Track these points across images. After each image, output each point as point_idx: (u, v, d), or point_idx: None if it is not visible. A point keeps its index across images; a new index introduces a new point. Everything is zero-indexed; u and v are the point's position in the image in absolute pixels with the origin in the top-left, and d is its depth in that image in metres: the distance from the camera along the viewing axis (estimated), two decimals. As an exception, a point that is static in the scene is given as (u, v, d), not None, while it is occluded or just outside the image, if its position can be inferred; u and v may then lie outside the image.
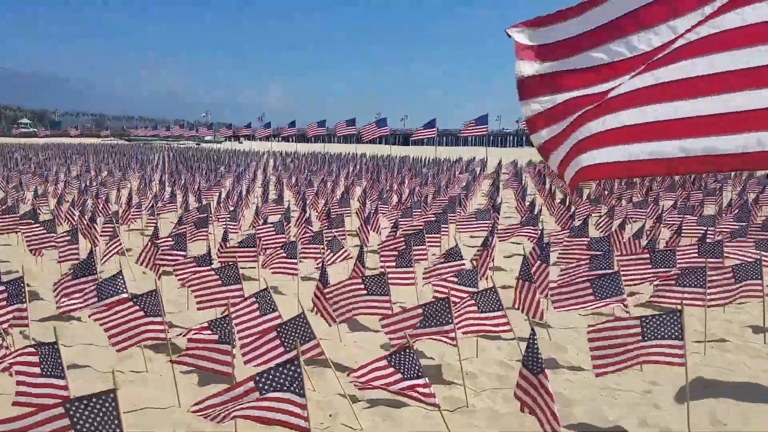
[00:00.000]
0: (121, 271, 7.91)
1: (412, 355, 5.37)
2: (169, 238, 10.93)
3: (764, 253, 10.91)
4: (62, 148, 65.74)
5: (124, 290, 7.54)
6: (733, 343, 8.71)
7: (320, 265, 10.58)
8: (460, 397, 6.73)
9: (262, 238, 11.66)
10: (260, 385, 4.47)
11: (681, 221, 14.27)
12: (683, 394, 6.72)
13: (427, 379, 5.37)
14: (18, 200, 19.72)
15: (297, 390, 4.49)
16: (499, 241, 13.55)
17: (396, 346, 6.80)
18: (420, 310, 6.71)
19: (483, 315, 7.06)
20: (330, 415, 6.32)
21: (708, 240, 11.76)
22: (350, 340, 8.68)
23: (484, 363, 7.78)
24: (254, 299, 6.91)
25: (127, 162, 43.92)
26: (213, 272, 8.04)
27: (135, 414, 6.36)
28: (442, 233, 13.60)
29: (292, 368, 4.54)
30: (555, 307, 8.26)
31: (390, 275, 9.15)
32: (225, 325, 5.98)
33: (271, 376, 4.51)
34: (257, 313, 6.86)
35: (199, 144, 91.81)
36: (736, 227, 13.93)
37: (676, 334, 6.07)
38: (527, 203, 19.28)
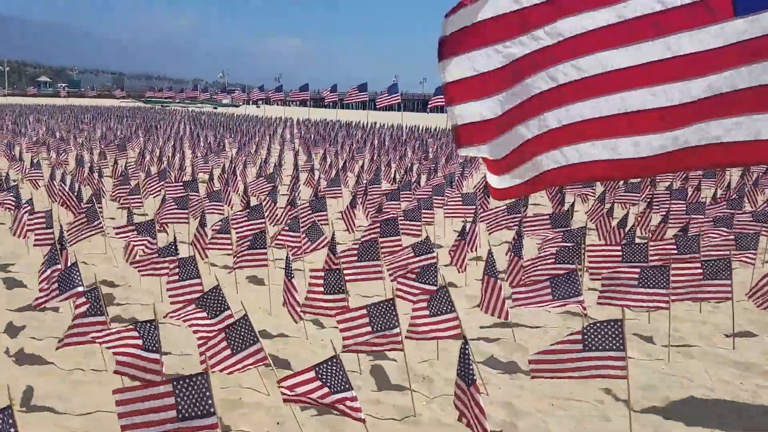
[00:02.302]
0: (76, 262, 7.67)
1: (339, 365, 5.20)
2: (130, 225, 10.51)
3: (740, 251, 10.56)
4: (75, 112, 65.01)
5: (80, 284, 7.36)
6: (700, 349, 8.40)
7: (295, 252, 10.48)
8: (409, 405, 6.53)
9: (236, 226, 11.40)
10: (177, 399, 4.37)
11: (668, 209, 13.82)
12: (637, 406, 6.54)
13: (353, 392, 5.19)
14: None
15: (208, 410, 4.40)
16: (487, 231, 13.12)
17: (348, 348, 6.64)
18: (365, 311, 6.47)
19: (433, 319, 6.82)
20: (278, 423, 6.21)
21: (691, 230, 11.37)
22: (317, 338, 8.48)
23: (443, 366, 7.59)
24: (200, 300, 6.77)
25: (137, 129, 43.21)
26: (170, 265, 7.89)
27: (84, 418, 6.29)
28: (426, 219, 13.26)
29: (201, 383, 4.40)
30: (513, 305, 7.99)
31: (353, 269, 8.94)
32: (150, 329, 5.79)
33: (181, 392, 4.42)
34: (204, 314, 6.71)
35: (216, 108, 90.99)
36: (722, 215, 13.37)
37: (617, 344, 5.81)
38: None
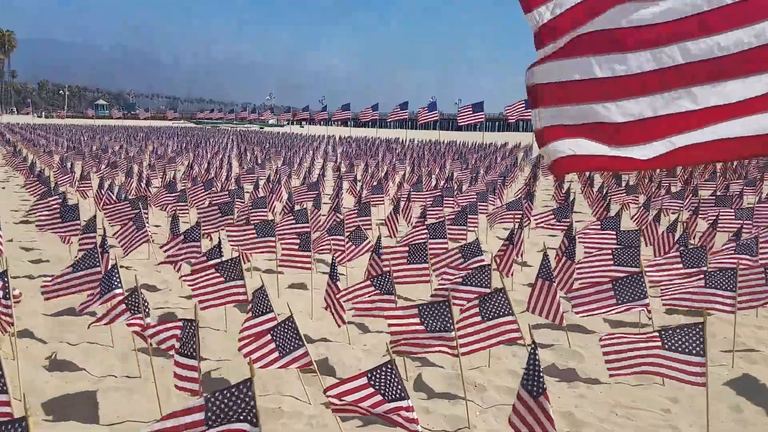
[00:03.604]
0: (116, 264, 7.13)
1: (394, 372, 4.54)
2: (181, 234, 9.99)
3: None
4: (128, 131, 66.66)
5: (119, 286, 6.82)
6: (763, 354, 7.56)
7: (340, 258, 9.96)
8: (464, 415, 5.90)
9: (282, 228, 10.94)
10: (209, 414, 3.73)
11: (717, 214, 12.80)
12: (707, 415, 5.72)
13: (410, 400, 4.53)
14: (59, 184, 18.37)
15: (251, 419, 3.77)
16: (530, 229, 12.45)
17: (398, 351, 6.03)
18: (416, 310, 5.84)
19: (488, 324, 6.12)
20: (322, 435, 5.66)
21: (744, 234, 10.45)
22: (361, 342, 7.92)
23: (495, 373, 6.95)
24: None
25: (186, 145, 43.65)
26: (214, 269, 7.42)
27: (111, 428, 5.74)
28: (470, 225, 12.59)
29: (244, 392, 3.80)
30: (575, 312, 7.29)
31: (402, 271, 8.36)
32: (189, 332, 5.21)
33: (220, 403, 3.76)
34: (249, 314, 6.22)
35: (262, 128, 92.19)
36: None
37: (698, 349, 5.07)
38: (564, 191, 17.95)
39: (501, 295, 6.17)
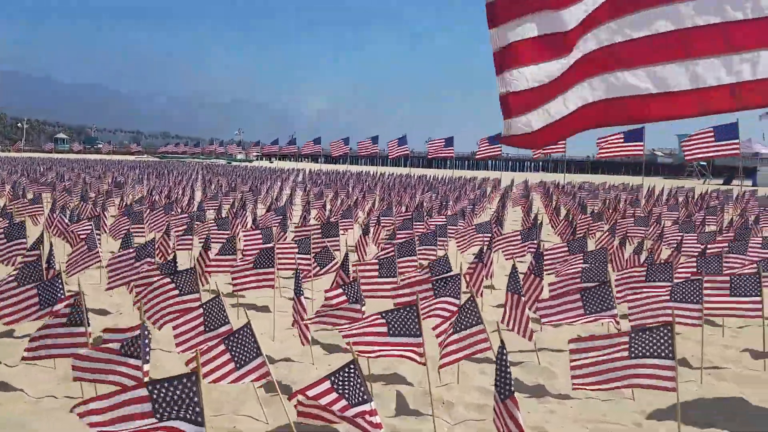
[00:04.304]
0: (59, 274, 6.75)
1: (357, 372, 4.30)
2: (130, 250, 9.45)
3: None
4: (89, 163, 65.23)
5: (63, 296, 6.44)
6: (731, 371, 7.62)
7: (305, 275, 9.69)
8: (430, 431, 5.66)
9: (246, 246, 10.63)
10: (155, 403, 3.45)
11: (681, 238, 13.12)
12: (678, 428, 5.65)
13: (373, 403, 4.30)
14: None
15: (196, 419, 3.49)
16: (494, 251, 12.46)
17: (361, 352, 5.75)
18: (381, 319, 5.60)
19: (459, 335, 5.97)
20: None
21: (708, 255, 10.70)
22: (325, 362, 7.61)
23: (464, 390, 6.76)
24: (201, 310, 5.97)
25: (150, 174, 42.62)
26: (170, 281, 7.08)
27: None
28: (439, 247, 12.53)
29: (187, 386, 3.54)
30: (542, 321, 7.22)
31: (370, 285, 8.17)
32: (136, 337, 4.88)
33: (164, 395, 3.50)
34: (201, 329, 5.89)
35: (230, 162, 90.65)
36: (736, 243, 12.69)
37: (666, 352, 5.02)
38: (532, 218, 18.18)
39: (470, 304, 6.05)
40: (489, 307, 10.21)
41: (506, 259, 12.52)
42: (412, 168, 75.36)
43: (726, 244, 12.75)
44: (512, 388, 4.30)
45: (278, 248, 9.68)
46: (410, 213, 16.47)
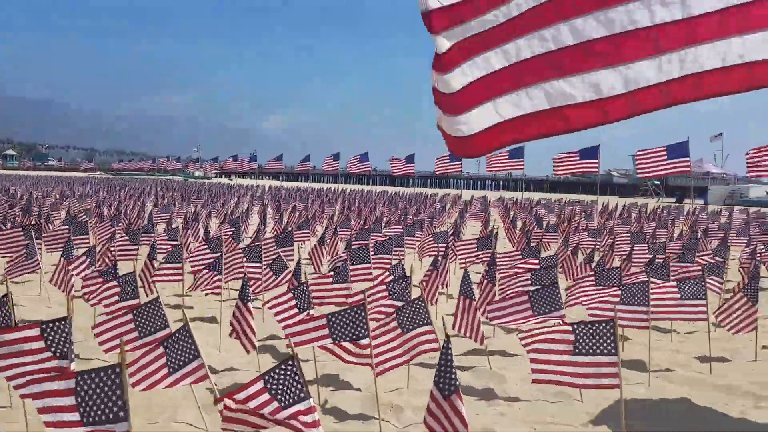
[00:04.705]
0: None
1: (294, 370, 4.09)
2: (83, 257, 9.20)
3: (712, 279, 10.15)
4: (38, 179, 62.96)
5: None
6: (678, 374, 7.79)
7: (256, 286, 9.44)
8: (376, 434, 5.53)
9: (192, 255, 10.31)
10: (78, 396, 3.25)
11: (631, 248, 13.53)
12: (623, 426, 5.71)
13: (311, 400, 4.08)
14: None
15: (122, 416, 3.32)
16: (457, 263, 12.54)
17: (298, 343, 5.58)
18: (324, 320, 5.47)
19: (407, 336, 5.89)
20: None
21: (656, 263, 11.06)
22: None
23: (413, 394, 6.67)
24: (132, 315, 5.71)
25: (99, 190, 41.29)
26: (111, 286, 6.79)
27: None
28: (395, 256, 12.48)
29: (111, 377, 3.38)
30: (491, 322, 7.24)
31: (321, 291, 8.04)
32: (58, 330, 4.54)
33: (88, 388, 3.35)
34: (135, 334, 5.63)
35: (186, 180, 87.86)
36: (684, 252, 13.22)
37: (609, 348, 5.09)
38: (488, 230, 18.42)
39: (419, 303, 6.00)
40: (444, 315, 10.19)
41: (460, 267, 12.59)
42: (375, 185, 75.61)
43: (674, 254, 13.26)
44: (457, 383, 4.23)
45: (226, 257, 9.44)
46: (368, 225, 16.41)
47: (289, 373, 4.15)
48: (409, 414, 6.15)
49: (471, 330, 7.41)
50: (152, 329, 5.72)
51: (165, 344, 4.96)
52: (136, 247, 11.36)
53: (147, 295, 9.26)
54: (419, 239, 14.10)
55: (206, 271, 8.49)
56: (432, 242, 13.33)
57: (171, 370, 4.96)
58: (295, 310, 6.56)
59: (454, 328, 7.71)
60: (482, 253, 12.16)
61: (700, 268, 10.51)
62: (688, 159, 30.53)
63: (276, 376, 4.12)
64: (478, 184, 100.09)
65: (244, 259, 9.49)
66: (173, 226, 16.11)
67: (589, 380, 5.23)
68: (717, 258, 12.58)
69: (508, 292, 8.38)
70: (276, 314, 6.72)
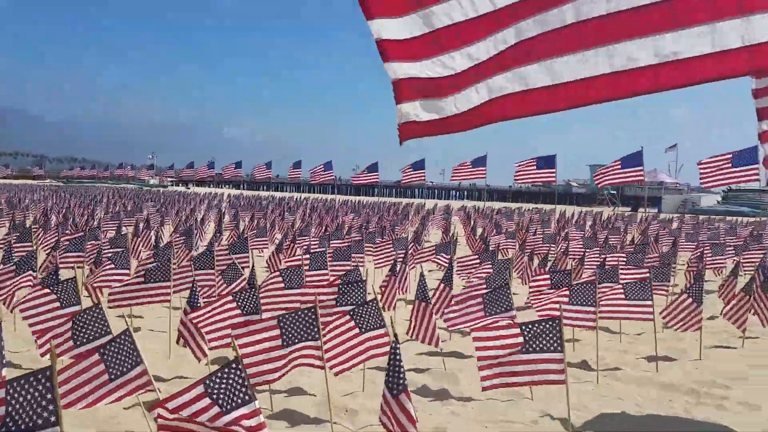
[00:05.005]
0: None
1: (237, 373, 4.03)
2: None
3: (659, 281, 10.57)
4: None
5: None
6: (626, 372, 8.08)
7: (208, 293, 9.24)
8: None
9: (140, 265, 9.98)
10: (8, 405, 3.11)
11: (584, 253, 13.96)
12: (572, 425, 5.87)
13: (257, 402, 4.01)
14: None
15: (47, 419, 3.21)
16: (410, 266, 12.59)
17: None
18: (275, 322, 5.40)
19: (360, 339, 5.90)
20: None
21: (608, 266, 11.44)
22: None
23: (368, 397, 6.67)
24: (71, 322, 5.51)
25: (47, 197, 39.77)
26: (50, 292, 6.54)
27: None
28: (354, 262, 12.46)
29: (41, 382, 3.27)
30: (447, 326, 7.33)
31: (273, 296, 7.95)
32: None
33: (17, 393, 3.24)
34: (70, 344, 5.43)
35: (141, 188, 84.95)
36: (633, 256, 13.75)
37: (555, 345, 5.24)
38: (449, 236, 18.64)
39: (372, 306, 6.02)
40: (403, 320, 10.23)
41: (412, 267, 12.68)
42: (340, 195, 75.30)
43: (624, 258, 13.74)
44: (405, 383, 4.28)
45: (175, 266, 9.22)
46: (328, 233, 16.35)
47: (232, 376, 4.08)
48: (364, 417, 6.16)
49: (426, 334, 7.48)
50: (92, 336, 5.54)
51: (102, 352, 4.79)
52: (80, 254, 10.97)
53: (94, 302, 8.95)
54: (379, 245, 14.12)
55: (147, 282, 8.22)
56: (391, 248, 13.39)
57: (111, 377, 4.79)
58: (237, 311, 6.45)
59: (408, 332, 7.77)
60: (441, 258, 12.28)
61: (647, 271, 10.95)
62: (641, 168, 31.68)
63: (218, 380, 4.04)
64: (443, 194, 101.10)
65: (191, 268, 9.28)
66: (122, 233, 15.64)
67: (536, 377, 5.38)
68: (664, 262, 13.12)
69: (463, 295, 8.51)
70: (205, 318, 6.56)
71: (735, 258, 16.10)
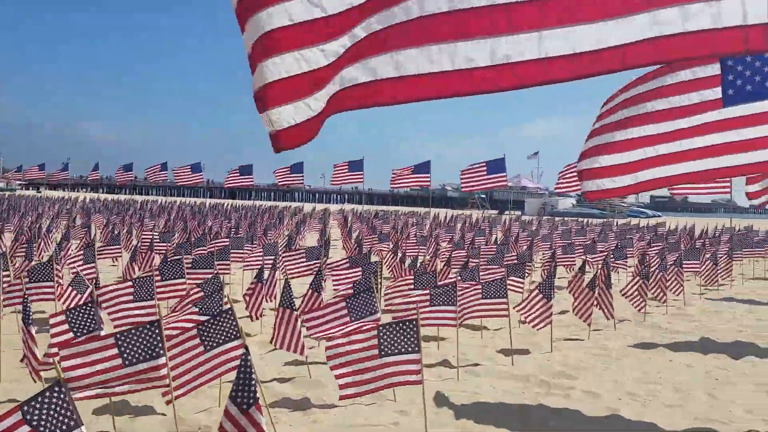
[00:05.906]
0: None
1: (60, 396, 3.58)
2: None
3: (514, 279, 11.41)
4: None
5: None
6: (485, 367, 8.57)
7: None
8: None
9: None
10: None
11: (451, 253, 14.71)
12: (431, 422, 6.08)
13: (83, 428, 3.59)
14: None
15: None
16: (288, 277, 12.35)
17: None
18: (112, 340, 4.95)
19: (208, 355, 5.56)
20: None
21: (470, 266, 12.15)
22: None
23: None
24: None
25: None
26: None
27: None
28: (220, 270, 11.91)
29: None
30: (308, 333, 7.22)
31: (119, 310, 7.34)
32: None
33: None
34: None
35: None
36: (494, 256, 14.77)
37: (412, 346, 5.41)
38: (324, 240, 18.57)
39: (226, 317, 5.72)
40: (271, 329, 9.96)
41: (290, 278, 12.46)
42: (212, 198, 71.96)
43: (486, 259, 14.75)
44: (257, 396, 4.13)
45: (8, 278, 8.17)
46: (192, 239, 15.49)
47: (54, 400, 3.65)
48: (217, 433, 5.84)
49: (291, 342, 7.33)
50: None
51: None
52: None
53: None
54: (247, 250, 13.67)
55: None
56: (261, 254, 13.02)
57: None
58: (69, 334, 5.83)
59: (271, 341, 7.57)
60: (312, 264, 12.19)
61: (504, 269, 11.80)
62: (505, 174, 34.11)
63: (38, 405, 3.60)
64: (323, 198, 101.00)
65: (27, 280, 8.27)
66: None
67: (394, 379, 5.48)
68: (521, 261, 14.23)
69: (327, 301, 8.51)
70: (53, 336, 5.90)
71: (583, 256, 17.93)
